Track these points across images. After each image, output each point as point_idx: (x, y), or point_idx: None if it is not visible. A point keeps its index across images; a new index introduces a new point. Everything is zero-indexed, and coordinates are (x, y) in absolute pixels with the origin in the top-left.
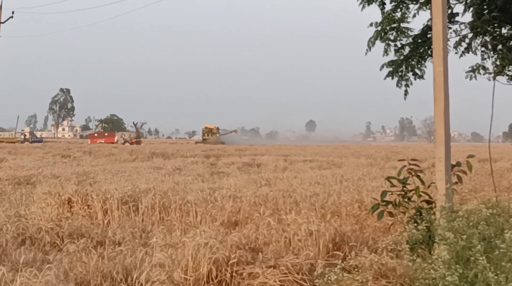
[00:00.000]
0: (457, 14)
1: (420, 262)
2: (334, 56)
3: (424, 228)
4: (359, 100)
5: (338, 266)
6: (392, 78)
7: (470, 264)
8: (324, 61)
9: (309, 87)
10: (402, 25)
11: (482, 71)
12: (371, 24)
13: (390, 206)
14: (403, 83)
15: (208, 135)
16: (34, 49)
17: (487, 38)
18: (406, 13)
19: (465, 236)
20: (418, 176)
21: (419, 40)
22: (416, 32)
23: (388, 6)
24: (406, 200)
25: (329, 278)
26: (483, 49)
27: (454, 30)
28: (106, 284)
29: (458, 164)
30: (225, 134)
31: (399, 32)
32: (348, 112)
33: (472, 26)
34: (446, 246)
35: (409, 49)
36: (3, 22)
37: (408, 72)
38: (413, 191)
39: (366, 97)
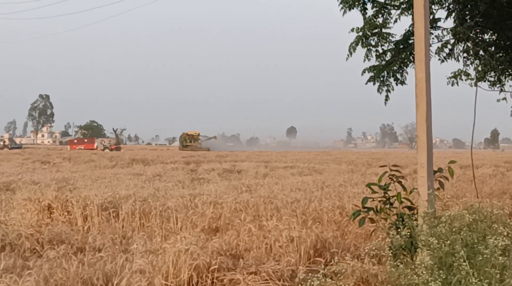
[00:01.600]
0: (439, 19)
1: (403, 268)
2: (316, 60)
3: (407, 234)
4: (340, 106)
5: (321, 272)
6: (374, 84)
7: (453, 270)
8: (306, 64)
9: (290, 91)
10: (384, 30)
11: (464, 77)
12: (352, 30)
13: (371, 212)
14: (384, 88)
15: (190, 142)
16: (13, 55)
17: (469, 44)
18: (387, 19)
19: (448, 242)
20: (399, 182)
21: (401, 46)
22: (398, 37)
23: (370, 12)
24: (387, 206)
25: (312, 283)
26: (465, 55)
27: (436, 36)
28: None
29: (440, 170)
30: (206, 140)
31: (380, 38)
32: (329, 118)
33: (455, 32)
34: (429, 252)
35: (390, 54)
36: None
37: (389, 78)
38: (395, 197)
39: (347, 103)
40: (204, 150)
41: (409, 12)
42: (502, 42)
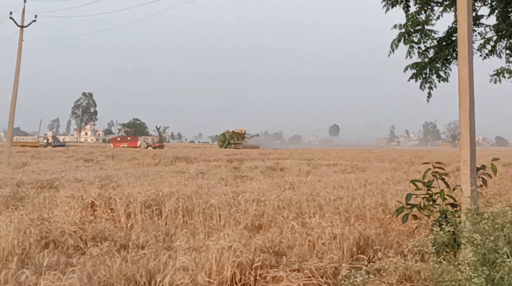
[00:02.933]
0: (482, 16)
1: (446, 265)
2: (357, 60)
3: (450, 231)
4: (383, 104)
5: (364, 269)
6: (416, 81)
7: (496, 266)
8: (348, 66)
9: (333, 89)
10: (426, 27)
11: (507, 75)
12: (394, 26)
13: (414, 209)
14: (427, 85)
15: (238, 139)
16: (57, 53)
17: None
18: (430, 15)
19: (491, 238)
20: (443, 179)
21: (444, 43)
22: (441, 34)
23: (412, 8)
24: (430, 203)
25: (355, 280)
26: (508, 51)
27: (479, 33)
28: None
29: (483, 167)
30: (249, 138)
31: (423, 34)
32: (372, 116)
33: (497, 28)
34: (472, 248)
35: (433, 51)
36: (25, 26)
37: (432, 75)
38: (438, 194)
39: (390, 101)
40: (252, 148)
41: (452, 9)
42: None
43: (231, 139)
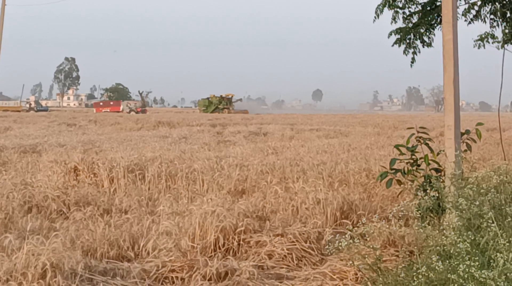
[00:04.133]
0: None
1: (431, 230)
2: (341, 24)
3: (434, 196)
4: (366, 69)
5: (348, 233)
6: (400, 46)
7: (481, 231)
8: (331, 30)
9: (316, 54)
10: None
11: (491, 40)
12: None
13: (398, 174)
14: (411, 50)
15: (226, 104)
16: (40, 18)
17: (497, 5)
18: None
19: (476, 203)
20: (427, 144)
21: (428, 8)
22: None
23: None
24: (414, 168)
25: (340, 244)
26: (492, 17)
27: None
28: (113, 252)
29: (467, 132)
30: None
31: (407, 0)
32: (355, 81)
33: None
34: (457, 213)
35: (417, 16)
36: None
37: (416, 40)
38: (422, 159)
39: (373, 66)
40: (242, 112)
41: None
42: None
43: (220, 104)
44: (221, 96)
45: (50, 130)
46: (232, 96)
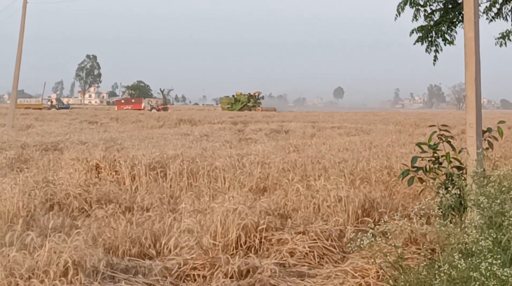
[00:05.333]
0: None
1: (453, 228)
2: (363, 22)
3: (456, 193)
4: (387, 67)
5: (370, 231)
6: (422, 44)
7: (502, 229)
8: (353, 29)
9: (338, 51)
10: None
11: None
12: None
13: (420, 172)
14: (433, 48)
15: (255, 102)
16: (61, 16)
17: None
18: None
19: (498, 201)
20: (448, 142)
21: (450, 5)
22: None
23: None
24: (436, 166)
25: (362, 242)
26: None
27: None
28: (135, 249)
29: (489, 129)
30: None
31: None
32: (377, 79)
33: None
34: (478, 211)
35: (439, 14)
36: None
37: (438, 38)
38: (444, 157)
39: (395, 64)
40: (270, 110)
41: None
42: None
43: (249, 102)
44: (249, 93)
45: (71, 128)
46: (259, 94)
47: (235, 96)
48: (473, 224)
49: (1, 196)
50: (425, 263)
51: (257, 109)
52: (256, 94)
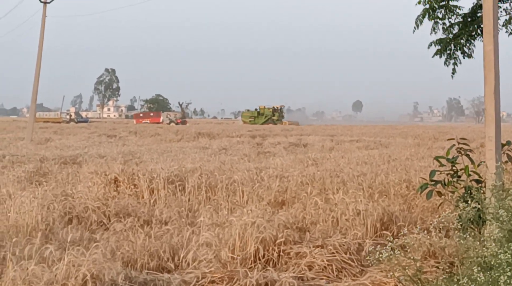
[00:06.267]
0: None
1: (472, 241)
2: (381, 34)
3: (475, 207)
4: (406, 80)
5: (389, 244)
6: (440, 57)
7: None
8: (371, 41)
9: (356, 65)
10: (451, 3)
11: None
12: (419, 2)
13: (439, 185)
14: (451, 61)
15: (279, 115)
16: (80, 29)
17: None
18: None
19: None
20: (467, 155)
21: (469, 19)
22: (466, 10)
23: None
24: (455, 179)
25: (380, 256)
26: None
27: (504, 9)
28: (153, 263)
29: (508, 143)
30: None
31: (447, 10)
32: (395, 92)
33: None
34: (498, 225)
35: (458, 27)
36: (49, 2)
37: (456, 51)
38: (463, 170)
39: (414, 77)
40: (294, 124)
41: None
42: None
43: (273, 115)
44: (273, 107)
45: (90, 141)
46: (282, 107)
47: (258, 110)
48: (492, 238)
49: (20, 210)
50: (444, 276)
51: (283, 123)
52: (280, 108)
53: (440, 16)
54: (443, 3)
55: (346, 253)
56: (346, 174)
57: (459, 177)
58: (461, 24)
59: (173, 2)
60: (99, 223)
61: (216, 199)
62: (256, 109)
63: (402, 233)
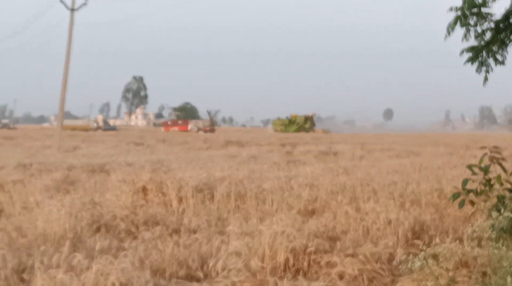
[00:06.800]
0: None
1: (505, 251)
2: (413, 43)
3: (508, 216)
4: (437, 88)
5: (422, 253)
6: (472, 64)
7: None
8: (402, 48)
9: (387, 72)
10: (483, 9)
11: None
12: (450, 9)
13: (471, 194)
14: (483, 69)
15: (311, 124)
16: (108, 37)
17: None
18: None
19: None
20: (500, 164)
21: (501, 25)
22: (498, 17)
23: None
24: (487, 188)
25: (413, 265)
26: None
27: None
28: (182, 272)
29: None
30: None
31: (479, 17)
32: (427, 100)
33: None
34: None
35: (490, 34)
36: (76, 9)
37: (488, 58)
38: (495, 179)
39: (445, 85)
40: (326, 132)
41: None
42: None
43: (305, 123)
44: (305, 115)
45: (118, 149)
46: (313, 115)
47: (290, 118)
48: None
49: (48, 218)
50: None
51: (316, 131)
52: (312, 116)
53: (472, 23)
54: (475, 9)
55: (377, 263)
56: (376, 183)
57: (492, 186)
58: (493, 31)
59: (198, 11)
60: (127, 232)
61: (245, 208)
62: (287, 117)
63: (433, 242)
